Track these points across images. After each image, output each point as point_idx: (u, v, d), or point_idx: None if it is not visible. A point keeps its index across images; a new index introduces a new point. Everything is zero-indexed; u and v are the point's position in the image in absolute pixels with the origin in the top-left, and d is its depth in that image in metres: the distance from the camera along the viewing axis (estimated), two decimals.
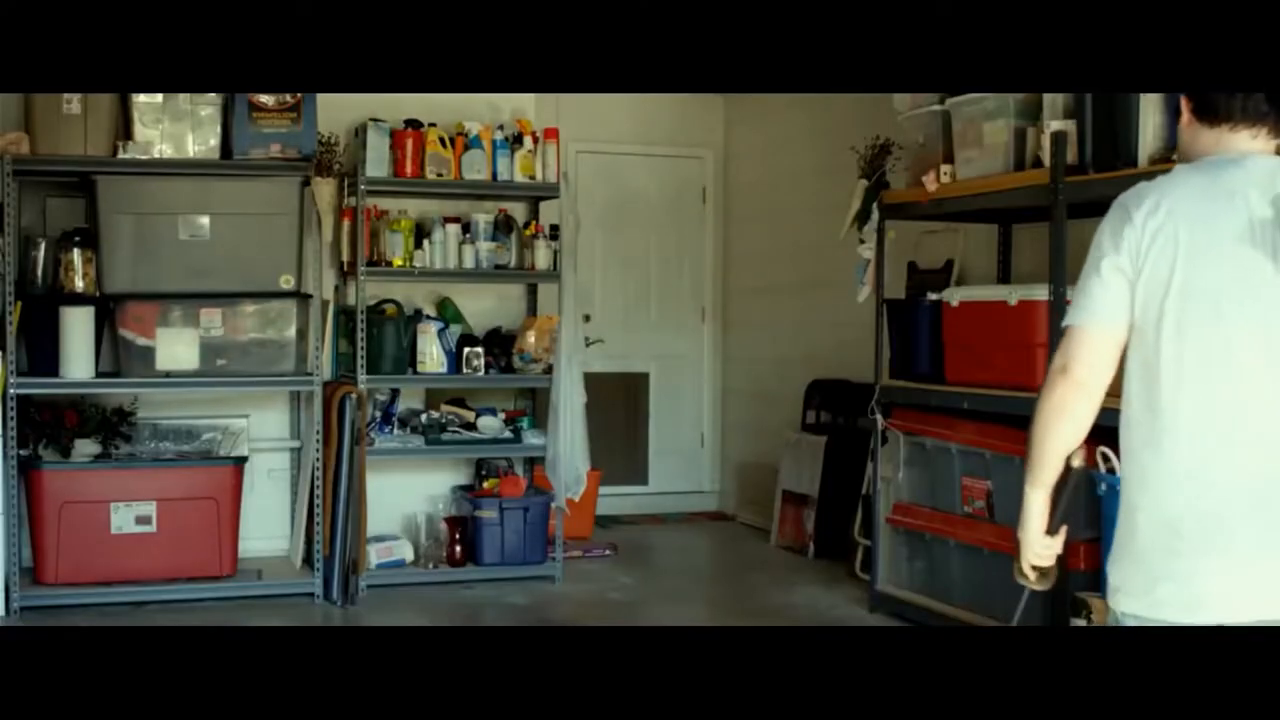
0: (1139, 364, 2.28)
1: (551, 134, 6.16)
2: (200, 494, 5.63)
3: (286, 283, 5.64)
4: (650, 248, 8.37)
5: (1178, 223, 2.23)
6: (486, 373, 6.11)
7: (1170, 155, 4.05)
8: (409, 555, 6.09)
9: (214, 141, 5.63)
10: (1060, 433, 2.33)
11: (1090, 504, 4.36)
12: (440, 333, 6.05)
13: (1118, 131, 4.28)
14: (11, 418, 5.33)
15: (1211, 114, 2.34)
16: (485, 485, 6.25)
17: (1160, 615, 2.26)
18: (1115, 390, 2.35)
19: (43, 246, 5.59)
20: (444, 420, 6.17)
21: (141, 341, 5.54)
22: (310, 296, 5.75)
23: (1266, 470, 2.21)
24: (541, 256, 6.14)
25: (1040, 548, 2.44)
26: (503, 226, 6.19)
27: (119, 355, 5.57)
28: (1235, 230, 2.22)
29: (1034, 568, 2.49)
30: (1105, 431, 4.59)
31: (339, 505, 5.72)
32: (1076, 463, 2.38)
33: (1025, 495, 2.43)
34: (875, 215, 5.47)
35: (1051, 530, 2.43)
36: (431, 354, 6.02)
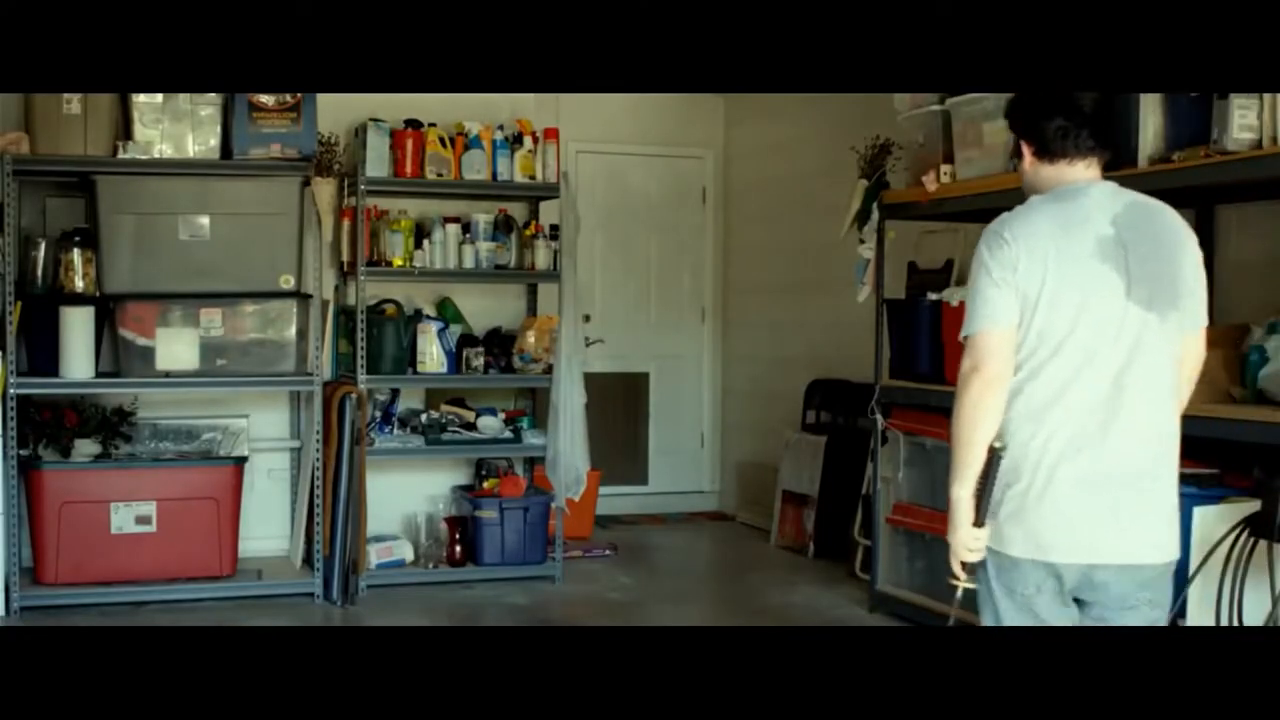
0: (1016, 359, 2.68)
1: (551, 134, 6.16)
2: (200, 494, 5.63)
3: (286, 283, 5.63)
4: (650, 248, 8.36)
5: (1045, 244, 2.64)
6: (486, 373, 6.11)
7: (1170, 155, 4.06)
8: (409, 555, 6.09)
9: (214, 141, 5.63)
10: (984, 424, 2.64)
11: None
12: (440, 333, 6.05)
13: (1118, 131, 4.27)
14: (11, 418, 5.33)
15: (1050, 154, 2.76)
16: (485, 485, 6.25)
17: (1010, 551, 2.67)
18: None
19: (43, 246, 5.58)
20: (444, 420, 6.17)
21: (141, 341, 5.54)
22: (310, 296, 5.75)
23: (1111, 443, 2.63)
24: (541, 256, 6.14)
25: (972, 541, 2.68)
26: (503, 226, 6.19)
27: (119, 355, 5.57)
28: (1089, 248, 2.64)
29: (963, 565, 2.73)
30: None
31: (339, 505, 5.72)
32: (998, 444, 2.64)
33: (953, 497, 2.68)
34: (875, 215, 5.47)
35: (980, 522, 2.66)
36: (431, 354, 6.02)
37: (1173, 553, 2.68)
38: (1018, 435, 2.65)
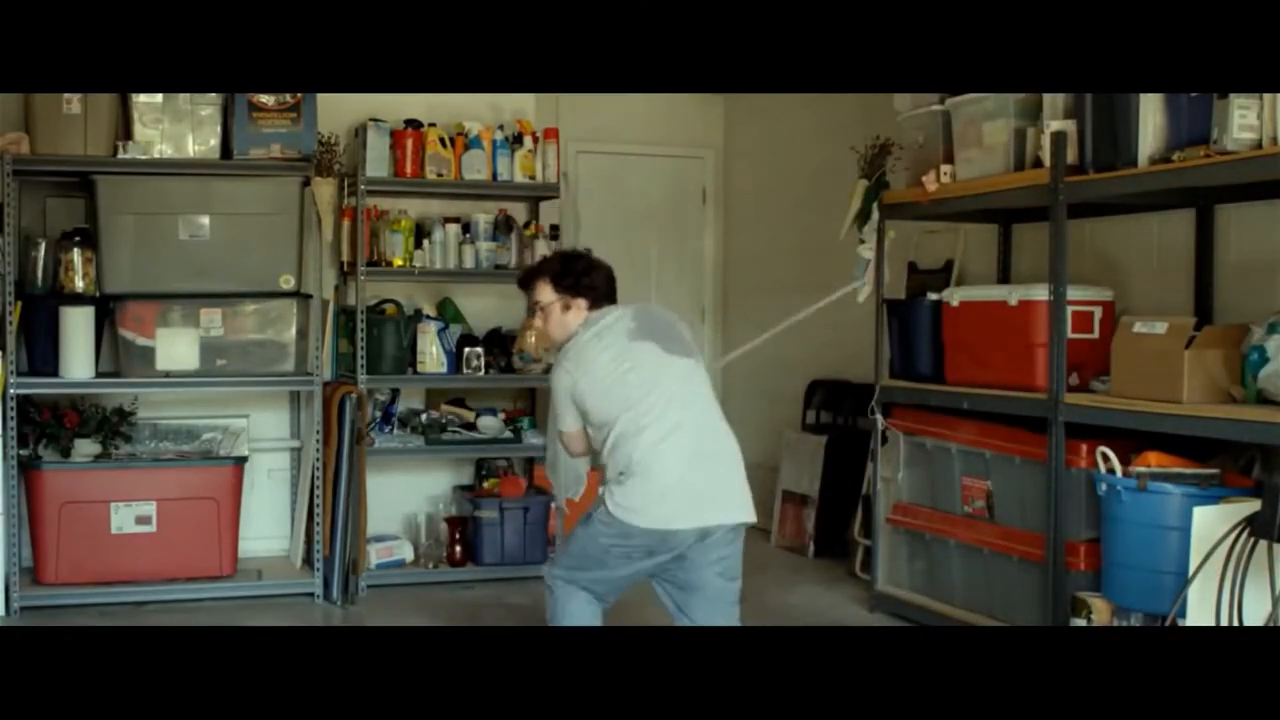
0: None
1: (551, 134, 6.16)
2: (200, 494, 5.63)
3: (286, 283, 5.63)
4: (650, 248, 8.36)
5: (596, 352, 3.93)
6: (486, 373, 6.11)
7: (1170, 155, 4.07)
8: (409, 555, 6.09)
9: (214, 141, 5.63)
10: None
11: (1090, 504, 4.38)
12: (440, 333, 6.05)
13: (1118, 131, 4.28)
14: (11, 418, 5.33)
15: (599, 301, 4.05)
16: (485, 485, 6.25)
17: (642, 524, 3.77)
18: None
19: (43, 246, 5.58)
20: (444, 420, 6.17)
21: (141, 341, 5.54)
22: (310, 296, 5.75)
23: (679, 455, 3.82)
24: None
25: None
26: (503, 226, 6.19)
27: (119, 355, 5.57)
28: (626, 337, 3.91)
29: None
30: (1103, 431, 4.57)
31: (339, 505, 5.72)
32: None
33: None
34: (875, 215, 5.47)
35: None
36: (431, 354, 6.02)
37: (750, 515, 3.90)
38: (633, 462, 3.76)
